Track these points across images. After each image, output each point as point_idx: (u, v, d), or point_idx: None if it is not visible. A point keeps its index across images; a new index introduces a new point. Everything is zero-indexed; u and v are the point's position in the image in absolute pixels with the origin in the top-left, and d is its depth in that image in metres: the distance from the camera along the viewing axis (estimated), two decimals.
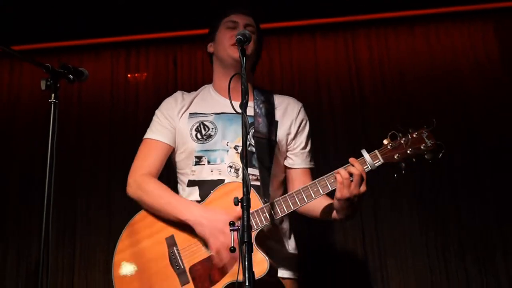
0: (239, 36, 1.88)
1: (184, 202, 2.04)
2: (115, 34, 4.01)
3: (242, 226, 1.54)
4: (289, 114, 2.22)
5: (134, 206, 3.62)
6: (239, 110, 1.73)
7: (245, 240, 1.52)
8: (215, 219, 1.91)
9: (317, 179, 1.94)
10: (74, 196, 3.79)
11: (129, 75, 4.06)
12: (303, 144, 2.22)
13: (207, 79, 3.83)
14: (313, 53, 3.94)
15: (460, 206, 3.49)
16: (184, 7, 3.78)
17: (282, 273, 2.04)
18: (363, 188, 1.86)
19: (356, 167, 1.85)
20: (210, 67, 3.87)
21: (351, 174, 1.85)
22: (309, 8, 3.79)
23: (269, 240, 2.02)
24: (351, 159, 1.89)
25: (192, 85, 3.87)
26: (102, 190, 3.80)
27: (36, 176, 3.74)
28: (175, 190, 2.19)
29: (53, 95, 1.91)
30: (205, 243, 1.95)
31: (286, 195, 1.94)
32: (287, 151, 2.20)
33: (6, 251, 3.72)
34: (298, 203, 1.90)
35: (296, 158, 2.21)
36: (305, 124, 2.26)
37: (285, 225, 2.16)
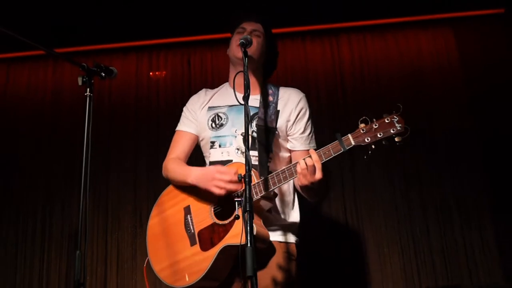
0: (242, 40, 1.88)
1: (189, 169, 2.05)
2: (139, 38, 4.01)
3: (245, 198, 1.54)
4: (290, 104, 2.14)
5: (155, 181, 3.68)
6: (242, 102, 1.76)
7: (248, 209, 1.52)
8: (206, 172, 1.95)
9: (294, 162, 1.86)
10: (106, 172, 3.79)
11: (151, 73, 4.03)
12: (301, 130, 2.13)
13: (216, 77, 3.86)
14: (303, 54, 3.91)
15: (420, 170, 3.57)
16: (196, 16, 3.75)
17: (283, 238, 2.01)
18: (317, 175, 1.76)
19: (310, 159, 1.77)
20: (218, 66, 3.86)
21: None
22: (300, 17, 3.77)
23: (271, 211, 2.00)
24: (310, 151, 1.81)
25: (203, 82, 3.87)
26: (129, 168, 3.80)
27: (77, 155, 3.75)
28: None
29: (88, 89, 1.91)
30: (211, 213, 1.96)
31: (279, 171, 1.87)
32: (287, 135, 2.13)
33: (52, 218, 3.75)
34: (282, 180, 1.84)
35: (296, 141, 2.12)
36: (305, 112, 2.16)
37: (288, 198, 2.09)
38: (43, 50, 1.94)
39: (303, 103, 2.17)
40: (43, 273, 3.62)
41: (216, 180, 1.88)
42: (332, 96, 3.76)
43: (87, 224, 1.78)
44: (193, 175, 2.00)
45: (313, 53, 3.90)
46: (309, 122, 2.17)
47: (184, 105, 2.33)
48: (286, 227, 2.05)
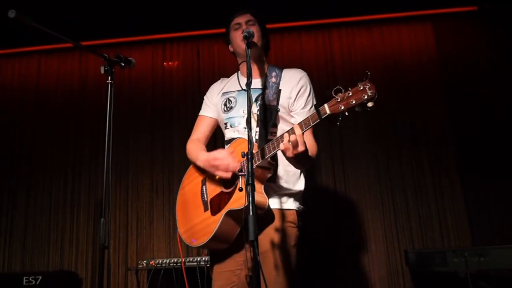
0: (245, 33, 1.84)
1: (200, 153, 2.04)
2: (154, 32, 3.98)
3: (247, 173, 1.53)
4: (291, 83, 2.06)
5: (169, 160, 3.69)
6: (245, 88, 1.73)
7: (249, 182, 1.52)
8: (208, 159, 1.94)
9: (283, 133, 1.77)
10: (126, 150, 3.80)
11: (165, 63, 4.00)
12: (302, 105, 2.03)
13: (222, 66, 3.82)
14: (299, 47, 3.87)
15: (400, 143, 3.58)
16: (204, 12, 3.71)
17: (281, 205, 1.97)
18: (300, 148, 1.67)
19: (294, 133, 1.67)
20: (224, 56, 3.81)
21: None
22: (296, 13, 3.74)
23: (274, 180, 1.96)
24: (294, 126, 1.70)
25: (210, 71, 3.84)
26: (146, 146, 3.80)
27: (101, 136, 3.74)
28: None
29: (109, 77, 1.92)
30: (220, 184, 1.96)
31: (271, 141, 1.80)
32: (290, 111, 2.05)
33: (80, 188, 3.78)
34: (272, 150, 1.77)
35: (298, 116, 2.02)
36: (305, 89, 2.05)
37: (292, 168, 1.99)
38: (71, 43, 1.92)
39: (304, 81, 2.08)
40: (73, 236, 3.66)
41: (218, 167, 1.87)
42: (323, 84, 3.72)
43: (110, 195, 1.80)
44: (200, 159, 2.00)
45: (308, 46, 3.86)
46: (310, 97, 2.08)
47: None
48: (288, 195, 2.00)
